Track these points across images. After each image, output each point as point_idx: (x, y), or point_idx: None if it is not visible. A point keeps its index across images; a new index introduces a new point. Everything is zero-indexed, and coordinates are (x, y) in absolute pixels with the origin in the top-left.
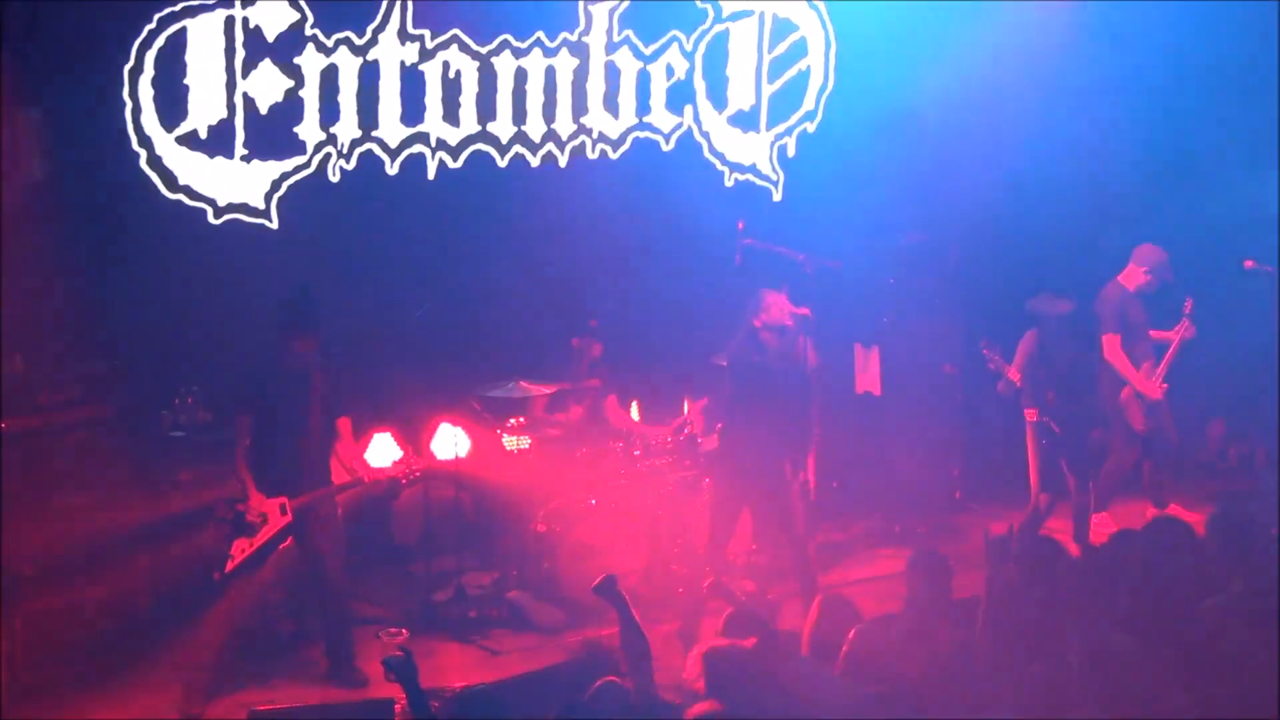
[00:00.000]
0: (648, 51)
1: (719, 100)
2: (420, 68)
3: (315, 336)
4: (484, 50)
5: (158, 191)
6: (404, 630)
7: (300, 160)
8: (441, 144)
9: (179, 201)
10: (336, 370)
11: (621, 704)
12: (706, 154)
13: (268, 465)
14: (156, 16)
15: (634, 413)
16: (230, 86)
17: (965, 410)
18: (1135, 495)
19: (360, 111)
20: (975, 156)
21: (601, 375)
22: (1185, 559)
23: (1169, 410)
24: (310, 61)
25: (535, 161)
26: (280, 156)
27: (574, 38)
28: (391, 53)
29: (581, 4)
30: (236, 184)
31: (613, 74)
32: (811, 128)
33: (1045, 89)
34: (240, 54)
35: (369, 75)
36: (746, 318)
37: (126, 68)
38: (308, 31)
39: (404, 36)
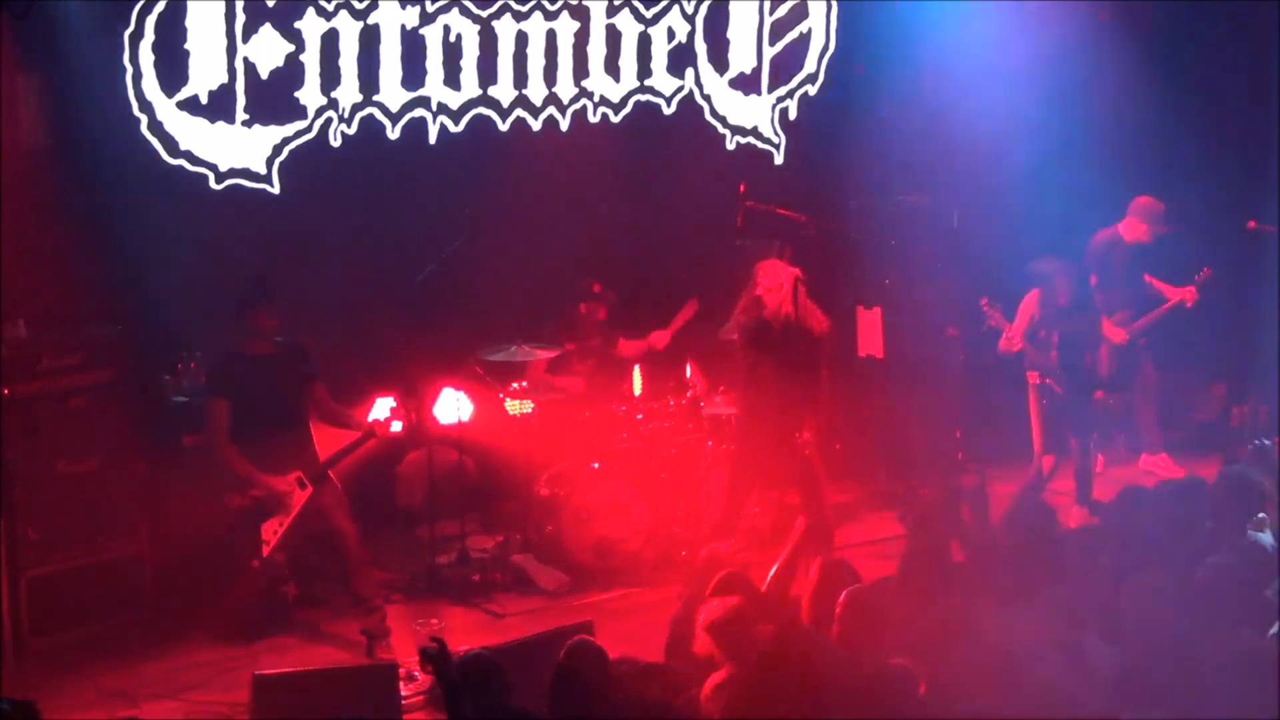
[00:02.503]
0: (648, 14)
1: (720, 63)
2: (421, 31)
3: (276, 314)
4: (484, 14)
5: (159, 157)
6: (436, 619)
7: (301, 125)
8: (443, 108)
9: (180, 167)
10: (300, 343)
11: (598, 659)
12: (708, 117)
13: (257, 448)
14: None
15: (636, 379)
16: (231, 51)
17: (968, 372)
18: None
19: (361, 76)
20: (979, 117)
21: (604, 335)
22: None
23: (1150, 361)
24: (311, 26)
25: (536, 125)
26: (281, 121)
27: (574, 0)
28: (392, 16)
29: None
30: (238, 149)
31: (614, 37)
32: (813, 90)
33: (1053, 48)
34: (240, 18)
35: (369, 39)
36: (748, 289)
37: (127, 32)
38: None
39: (404, 0)
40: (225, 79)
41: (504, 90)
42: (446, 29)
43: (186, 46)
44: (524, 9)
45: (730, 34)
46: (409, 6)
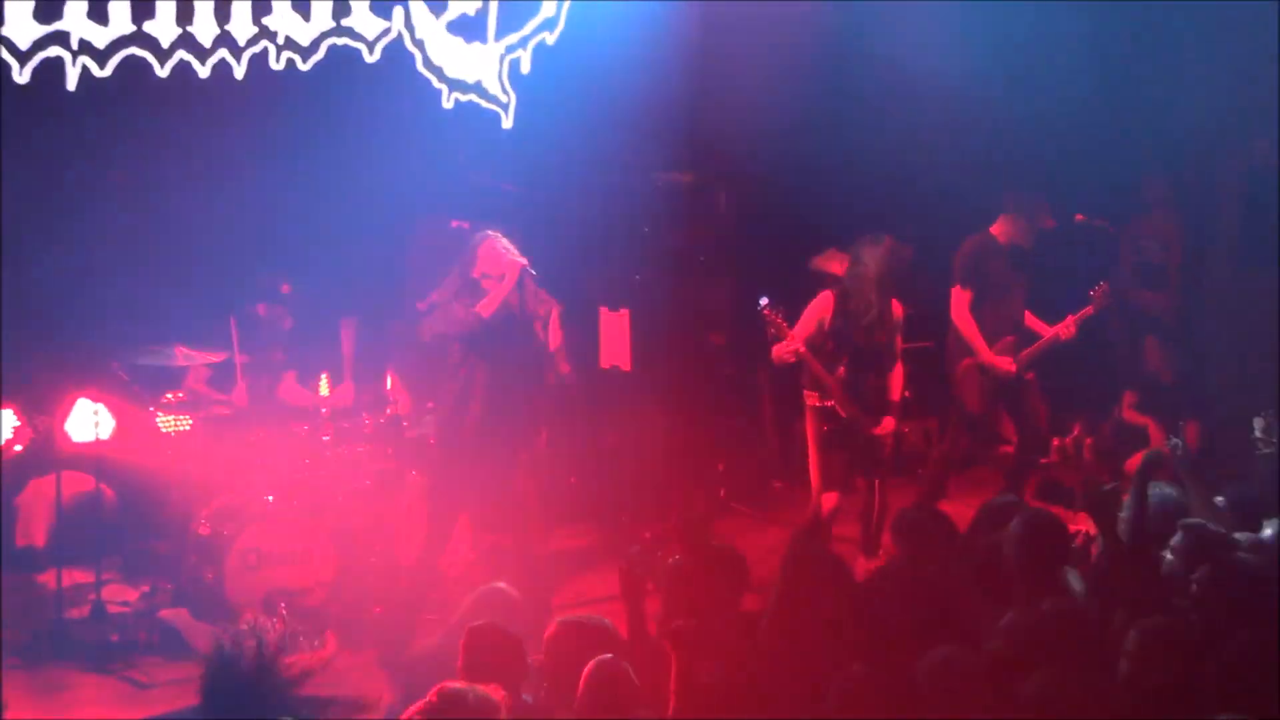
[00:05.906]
0: None
1: (437, 2)
2: None
3: None
4: None
5: None
6: None
7: None
8: (85, 47)
9: None
10: None
11: None
12: (420, 68)
13: None
14: None
15: (323, 388)
16: None
17: (735, 391)
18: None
19: None
20: (752, 81)
21: (285, 348)
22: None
23: (1039, 395)
24: None
25: (205, 72)
26: None
27: None
28: None
29: None
30: None
31: None
32: (551, 39)
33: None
34: None
35: None
36: (461, 268)
37: None
38: None
39: None
40: None
41: (163, 27)
42: None
43: None
44: None
45: None
46: None
